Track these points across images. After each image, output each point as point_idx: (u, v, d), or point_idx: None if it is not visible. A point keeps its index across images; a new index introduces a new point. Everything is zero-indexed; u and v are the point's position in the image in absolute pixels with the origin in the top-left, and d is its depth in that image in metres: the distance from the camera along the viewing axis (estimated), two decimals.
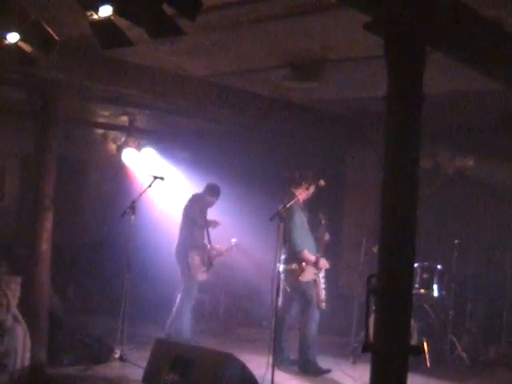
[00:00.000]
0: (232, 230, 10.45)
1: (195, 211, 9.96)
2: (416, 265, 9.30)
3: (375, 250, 5.72)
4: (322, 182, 8.47)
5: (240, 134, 12.68)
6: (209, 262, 9.76)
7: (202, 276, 9.80)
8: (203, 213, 9.97)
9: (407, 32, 4.98)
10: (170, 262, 10.07)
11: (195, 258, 9.76)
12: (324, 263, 8.95)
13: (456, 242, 9.56)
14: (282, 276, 8.58)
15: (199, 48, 7.83)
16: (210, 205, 10.05)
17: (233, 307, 12.12)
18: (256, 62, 8.46)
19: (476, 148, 10.89)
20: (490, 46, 6.29)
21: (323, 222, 8.97)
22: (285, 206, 8.01)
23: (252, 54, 8.07)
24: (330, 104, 10.80)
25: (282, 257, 8.73)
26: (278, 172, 11.94)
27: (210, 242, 9.89)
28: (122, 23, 5.40)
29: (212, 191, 10.03)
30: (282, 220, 7.85)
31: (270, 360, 7.59)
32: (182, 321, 9.72)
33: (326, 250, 9.11)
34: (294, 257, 8.83)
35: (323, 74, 8.36)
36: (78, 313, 10.81)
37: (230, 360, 7.23)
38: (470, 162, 11.41)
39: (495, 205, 10.56)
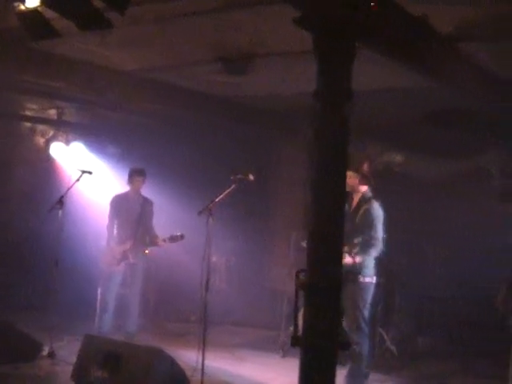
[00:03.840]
0: (164, 225, 10.38)
1: (109, 211, 10.02)
2: None
3: (304, 244, 5.72)
4: (250, 177, 8.41)
5: (171, 129, 12.61)
6: (123, 256, 9.68)
7: (108, 267, 9.75)
8: (120, 210, 9.92)
9: (337, 27, 5.01)
10: (99, 255, 10.06)
11: (106, 252, 9.84)
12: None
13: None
14: None
15: (129, 41, 7.77)
16: (137, 188, 9.95)
17: (161, 302, 12.05)
18: (185, 56, 8.43)
19: (404, 144, 11.04)
20: (418, 42, 6.39)
21: None
22: (213, 201, 7.96)
23: (181, 48, 8.04)
24: (262, 99, 10.81)
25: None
26: (211, 167, 11.95)
27: (135, 236, 9.82)
28: (51, 15, 5.34)
29: (130, 176, 9.95)
30: (212, 215, 7.81)
31: (200, 354, 7.56)
32: (101, 315, 9.68)
33: None
34: None
35: (252, 69, 8.37)
36: (5, 310, 10.61)
37: (160, 355, 7.19)
38: (398, 158, 11.58)
39: (422, 200, 10.73)
